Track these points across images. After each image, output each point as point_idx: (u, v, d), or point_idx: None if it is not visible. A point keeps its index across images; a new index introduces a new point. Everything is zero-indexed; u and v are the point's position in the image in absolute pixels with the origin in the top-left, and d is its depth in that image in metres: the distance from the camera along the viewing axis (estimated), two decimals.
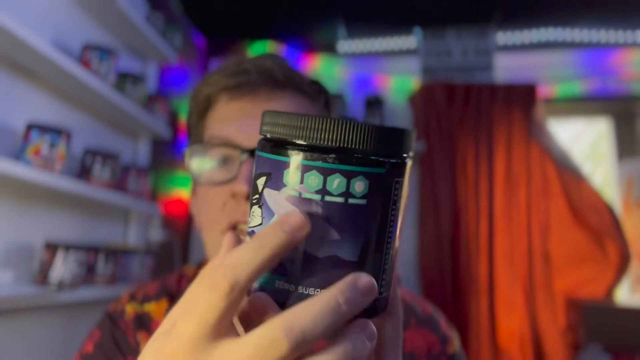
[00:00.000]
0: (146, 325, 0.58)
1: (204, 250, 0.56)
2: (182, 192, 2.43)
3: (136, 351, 0.56)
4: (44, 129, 1.23)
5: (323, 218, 0.25)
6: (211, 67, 2.69)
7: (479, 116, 2.25)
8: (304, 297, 0.25)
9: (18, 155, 1.22)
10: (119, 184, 1.65)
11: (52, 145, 1.25)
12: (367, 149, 0.25)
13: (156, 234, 2.03)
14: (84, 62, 1.47)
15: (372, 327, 0.25)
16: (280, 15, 2.43)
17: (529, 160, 2.17)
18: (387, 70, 2.55)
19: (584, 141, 2.66)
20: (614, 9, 2.24)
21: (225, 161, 0.53)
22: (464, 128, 2.25)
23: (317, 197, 0.25)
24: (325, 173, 0.25)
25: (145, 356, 0.26)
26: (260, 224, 0.27)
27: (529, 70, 2.42)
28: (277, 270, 0.26)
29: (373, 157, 0.25)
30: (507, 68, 2.42)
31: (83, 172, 1.47)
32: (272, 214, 0.26)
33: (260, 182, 0.27)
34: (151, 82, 2.01)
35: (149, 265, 1.77)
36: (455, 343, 0.59)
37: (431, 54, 2.45)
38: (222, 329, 0.24)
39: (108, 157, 1.50)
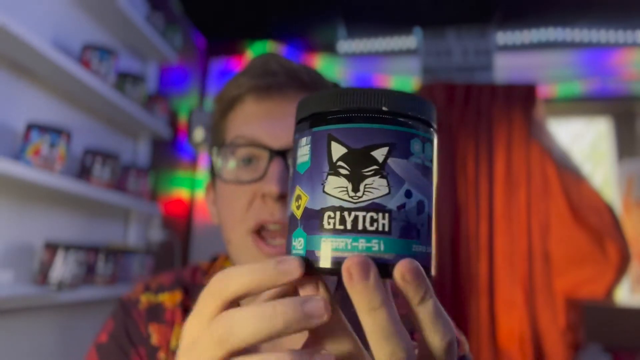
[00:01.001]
0: (159, 316, 0.59)
1: (227, 248, 0.56)
2: (182, 192, 2.43)
3: (147, 342, 0.57)
4: (44, 129, 1.23)
5: (432, 183, 0.29)
6: (211, 67, 2.69)
7: (479, 116, 2.25)
8: (430, 256, 0.28)
9: (18, 155, 1.22)
10: (119, 184, 1.65)
11: (52, 145, 1.25)
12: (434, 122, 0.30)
13: (156, 234, 2.03)
14: (84, 62, 1.47)
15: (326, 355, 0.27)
16: (280, 15, 2.43)
17: (529, 160, 2.17)
18: (387, 70, 2.55)
19: (584, 141, 2.66)
20: (614, 9, 2.24)
21: (250, 161, 0.54)
22: (464, 128, 2.26)
23: (430, 164, 0.29)
24: (430, 142, 0.29)
25: None
26: (388, 194, 0.27)
27: (529, 70, 2.42)
28: (410, 234, 0.27)
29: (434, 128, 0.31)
30: (507, 68, 2.42)
31: (83, 172, 1.47)
32: (402, 181, 0.27)
33: (381, 152, 0.27)
34: (151, 82, 2.01)
35: (149, 265, 1.77)
36: (465, 346, 0.59)
37: (431, 54, 2.45)
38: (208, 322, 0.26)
39: (108, 157, 1.50)
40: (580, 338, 1.90)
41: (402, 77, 2.52)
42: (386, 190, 0.27)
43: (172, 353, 0.56)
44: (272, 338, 0.25)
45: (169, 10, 2.23)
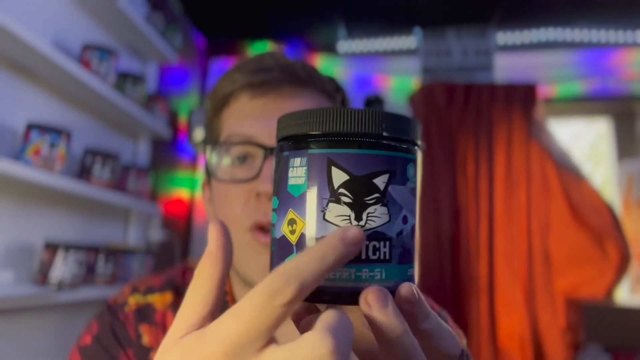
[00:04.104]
0: (149, 317, 0.58)
1: None
2: (182, 192, 2.43)
3: (136, 344, 0.56)
4: (44, 129, 1.23)
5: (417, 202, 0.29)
6: (211, 67, 2.69)
7: (479, 116, 2.25)
8: (414, 275, 0.29)
9: (18, 155, 1.22)
10: (119, 184, 1.65)
11: (52, 145, 1.25)
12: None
13: (156, 234, 2.03)
14: (84, 62, 1.47)
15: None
16: (280, 15, 2.43)
17: (529, 160, 2.17)
18: (387, 70, 2.55)
19: (584, 141, 2.66)
20: (614, 9, 2.24)
21: (245, 159, 0.53)
22: (464, 128, 2.26)
23: (416, 185, 0.29)
24: (416, 163, 0.30)
25: (169, 357, 0.25)
26: (389, 222, 0.27)
27: (529, 70, 2.42)
28: (406, 259, 0.28)
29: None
30: (507, 68, 2.42)
31: (83, 172, 1.47)
32: (400, 209, 0.28)
33: (382, 179, 0.27)
34: (151, 82, 2.01)
35: (149, 265, 1.77)
36: (463, 341, 0.59)
37: (431, 54, 2.45)
38: (268, 336, 0.23)
39: (108, 157, 1.50)
40: (580, 338, 1.90)
41: (402, 77, 2.52)
42: (387, 219, 0.27)
43: None
44: (324, 275, 0.23)
45: (169, 10, 2.23)
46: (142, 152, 1.95)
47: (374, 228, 0.27)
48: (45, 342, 1.40)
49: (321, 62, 2.59)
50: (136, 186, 1.71)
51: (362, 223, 0.27)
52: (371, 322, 0.25)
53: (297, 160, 0.28)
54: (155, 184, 2.04)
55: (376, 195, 0.27)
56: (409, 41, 2.54)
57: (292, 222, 0.27)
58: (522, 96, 2.24)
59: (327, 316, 0.23)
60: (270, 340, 0.23)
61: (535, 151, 2.17)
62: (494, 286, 2.10)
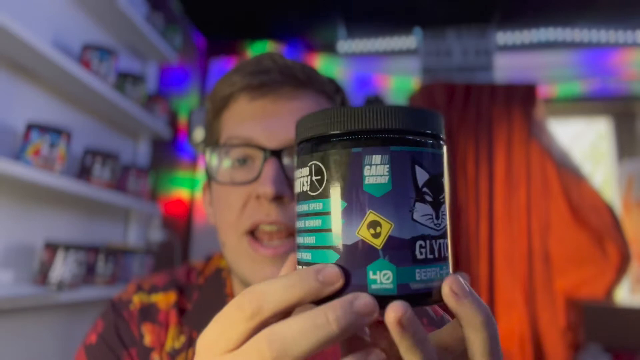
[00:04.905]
0: (152, 316, 0.58)
1: (222, 250, 0.55)
2: (182, 192, 2.43)
3: (139, 343, 0.56)
4: (44, 129, 1.23)
5: None
6: (211, 67, 2.69)
7: (479, 116, 2.25)
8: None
9: (18, 155, 1.22)
10: (119, 184, 1.65)
11: (52, 145, 1.25)
12: None
13: (156, 234, 2.03)
14: (84, 62, 1.47)
15: (380, 354, 0.26)
16: (280, 15, 2.43)
17: (529, 160, 2.17)
18: (387, 70, 2.55)
19: (584, 141, 2.66)
20: (614, 9, 2.24)
21: (245, 161, 0.53)
22: (464, 128, 2.26)
23: None
24: None
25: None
26: (447, 219, 0.28)
27: (529, 70, 2.42)
28: (447, 260, 0.28)
29: None
30: (507, 68, 2.43)
31: (83, 172, 1.47)
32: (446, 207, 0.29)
33: (444, 179, 0.28)
34: (151, 82, 2.01)
35: (149, 265, 1.77)
36: None
37: (431, 54, 2.45)
38: (234, 344, 0.25)
39: (108, 157, 1.50)
40: (580, 338, 1.90)
41: (402, 77, 2.52)
42: (447, 216, 0.28)
43: (166, 354, 0.55)
44: (294, 307, 0.25)
45: (169, 10, 2.23)
46: (142, 152, 1.95)
47: (445, 226, 0.27)
48: (45, 342, 1.40)
49: (321, 62, 2.59)
50: (136, 186, 1.71)
51: (439, 221, 0.27)
52: (458, 311, 0.26)
53: (375, 158, 0.26)
54: (155, 184, 2.04)
55: (444, 194, 0.27)
56: (409, 41, 2.55)
57: (374, 224, 0.25)
58: (522, 96, 2.24)
59: (279, 325, 0.24)
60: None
61: (535, 151, 2.17)
62: (494, 286, 2.10)
